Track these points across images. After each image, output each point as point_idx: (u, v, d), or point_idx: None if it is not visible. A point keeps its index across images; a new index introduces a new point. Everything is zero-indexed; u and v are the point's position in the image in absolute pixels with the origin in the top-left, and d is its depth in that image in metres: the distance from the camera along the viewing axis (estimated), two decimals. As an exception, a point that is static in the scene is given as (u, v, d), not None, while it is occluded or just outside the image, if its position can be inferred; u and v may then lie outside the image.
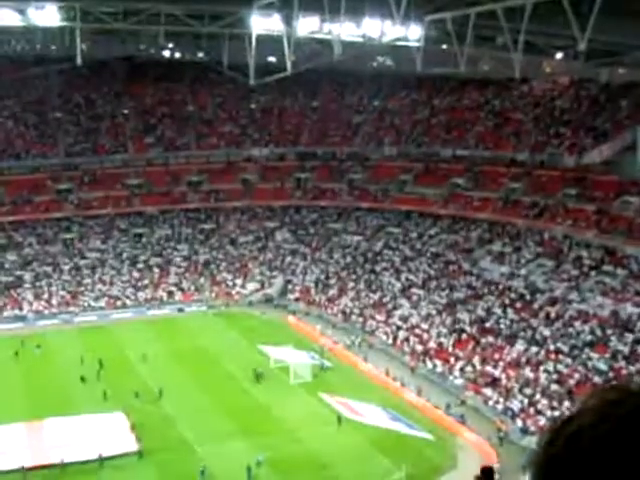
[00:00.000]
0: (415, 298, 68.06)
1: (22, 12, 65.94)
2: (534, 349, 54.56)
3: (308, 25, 66.69)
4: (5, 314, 71.45)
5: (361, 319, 68.49)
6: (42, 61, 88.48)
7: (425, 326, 63.16)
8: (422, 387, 54.08)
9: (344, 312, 70.57)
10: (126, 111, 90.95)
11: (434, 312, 64.60)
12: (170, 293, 76.94)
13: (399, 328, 64.42)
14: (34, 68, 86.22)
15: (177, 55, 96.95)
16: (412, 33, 63.65)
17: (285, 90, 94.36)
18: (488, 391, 52.21)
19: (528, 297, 61.39)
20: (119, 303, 74.77)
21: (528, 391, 50.49)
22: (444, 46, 69.26)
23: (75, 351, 61.31)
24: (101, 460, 42.99)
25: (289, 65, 69.46)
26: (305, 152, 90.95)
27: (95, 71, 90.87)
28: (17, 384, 55.86)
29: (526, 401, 49.65)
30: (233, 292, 77.70)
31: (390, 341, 63.48)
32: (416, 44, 65.27)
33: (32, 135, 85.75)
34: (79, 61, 71.17)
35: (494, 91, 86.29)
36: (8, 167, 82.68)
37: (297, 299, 76.11)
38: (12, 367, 59.32)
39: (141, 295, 76.01)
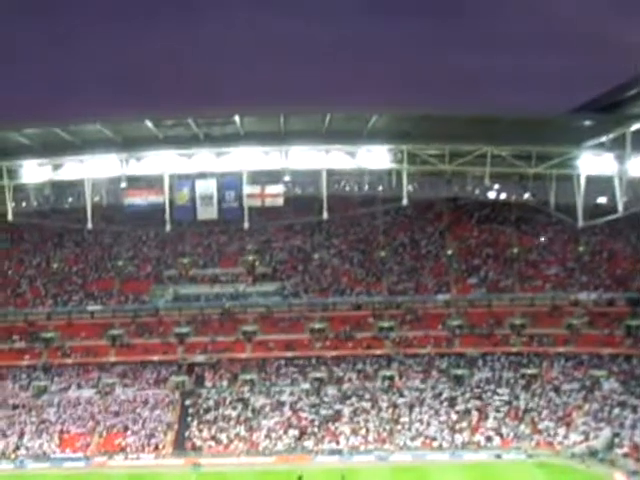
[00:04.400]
0: None
1: (353, 155, 69.57)
2: None
3: (642, 164, 63.72)
4: (322, 447, 72.78)
5: (702, 485, 60.93)
6: (369, 201, 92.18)
7: None
8: None
9: (680, 474, 63.28)
10: (450, 251, 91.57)
11: None
12: (488, 438, 73.92)
13: None
14: (361, 208, 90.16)
15: (502, 196, 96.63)
16: None
17: (616, 232, 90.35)
18: None
19: None
20: (435, 444, 73.08)
21: None
22: None
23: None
24: None
25: (620, 206, 66.45)
26: (637, 298, 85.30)
27: (420, 211, 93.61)
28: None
29: None
30: (555, 442, 72.99)
31: None
32: None
33: (357, 272, 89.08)
34: (405, 202, 73.01)
35: None
36: (333, 303, 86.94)
37: (625, 455, 69.48)
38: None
39: (458, 438, 73.75)
